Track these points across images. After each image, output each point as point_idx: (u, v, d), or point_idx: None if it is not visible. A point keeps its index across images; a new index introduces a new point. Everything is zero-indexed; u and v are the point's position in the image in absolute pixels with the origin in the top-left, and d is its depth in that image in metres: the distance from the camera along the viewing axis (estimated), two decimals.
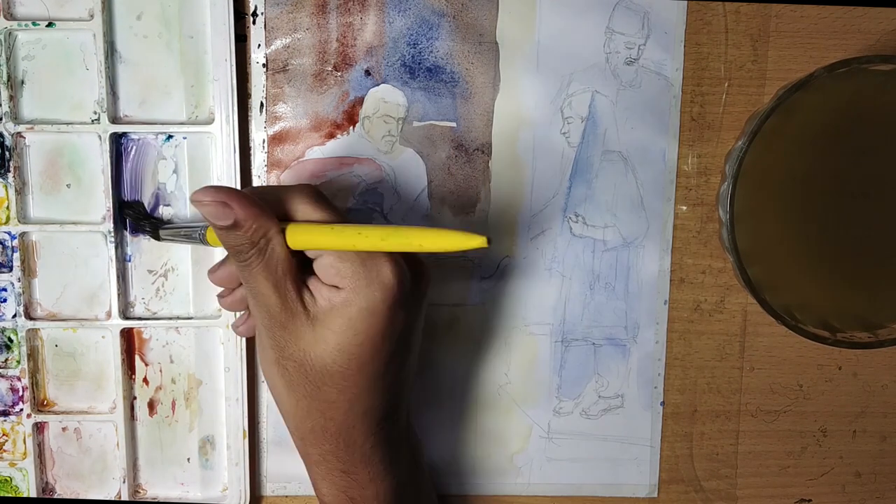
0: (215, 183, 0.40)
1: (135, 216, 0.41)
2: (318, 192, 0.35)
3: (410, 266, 0.34)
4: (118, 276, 0.41)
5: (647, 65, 0.41)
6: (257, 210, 0.32)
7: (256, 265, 0.33)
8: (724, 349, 0.43)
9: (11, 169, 0.40)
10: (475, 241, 0.29)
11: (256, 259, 0.33)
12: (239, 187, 0.40)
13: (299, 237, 0.33)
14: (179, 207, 0.41)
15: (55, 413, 0.42)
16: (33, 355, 0.42)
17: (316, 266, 0.33)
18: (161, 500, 0.43)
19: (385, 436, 0.36)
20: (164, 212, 0.41)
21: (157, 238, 0.40)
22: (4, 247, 0.41)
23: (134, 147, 0.41)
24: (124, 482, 0.42)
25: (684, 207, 0.42)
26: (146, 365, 0.42)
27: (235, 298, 0.37)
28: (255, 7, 0.40)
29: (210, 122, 0.40)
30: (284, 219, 0.34)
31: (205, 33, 0.40)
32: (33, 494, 0.42)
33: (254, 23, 0.40)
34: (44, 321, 0.41)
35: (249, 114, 0.41)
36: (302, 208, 0.34)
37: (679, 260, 0.43)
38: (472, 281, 0.42)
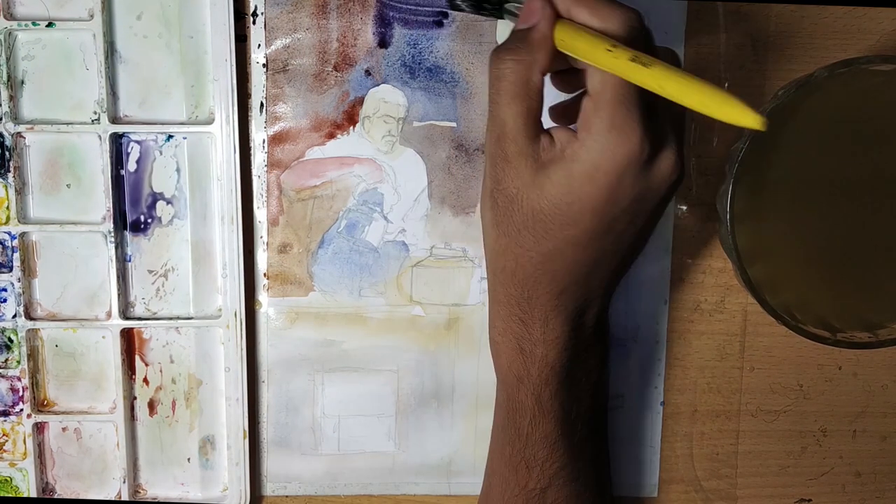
0: (215, 183, 0.40)
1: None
2: (643, 35, 0.32)
3: (665, 152, 0.31)
4: (118, 276, 0.41)
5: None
6: (550, 34, 0.31)
7: (511, 83, 0.31)
8: (724, 349, 0.43)
9: (11, 169, 0.40)
10: (750, 119, 0.26)
11: (514, 75, 0.31)
12: (239, 187, 0.40)
13: (567, 39, 0.31)
14: (181, 207, 0.41)
15: (55, 413, 0.42)
16: (33, 355, 0.42)
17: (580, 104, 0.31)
18: (161, 500, 0.43)
19: (571, 305, 0.34)
20: (161, 211, 0.41)
21: (500, 16, 0.35)
22: (4, 247, 0.41)
23: (134, 147, 0.41)
24: (124, 482, 0.42)
25: (684, 207, 0.42)
26: (146, 365, 0.42)
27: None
28: (255, 7, 0.40)
29: (210, 122, 0.40)
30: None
31: (205, 33, 0.40)
32: (33, 494, 0.42)
33: (254, 23, 0.40)
34: (44, 321, 0.41)
35: (249, 114, 0.41)
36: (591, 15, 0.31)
37: (679, 260, 0.43)
38: (472, 281, 0.42)
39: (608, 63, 0.29)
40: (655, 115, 0.31)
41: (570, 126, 0.32)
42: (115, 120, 0.40)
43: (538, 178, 0.31)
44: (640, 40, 0.31)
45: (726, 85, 0.41)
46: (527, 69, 0.31)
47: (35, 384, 0.42)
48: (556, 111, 0.36)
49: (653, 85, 0.28)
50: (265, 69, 0.40)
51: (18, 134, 0.40)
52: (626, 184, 0.31)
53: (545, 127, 0.32)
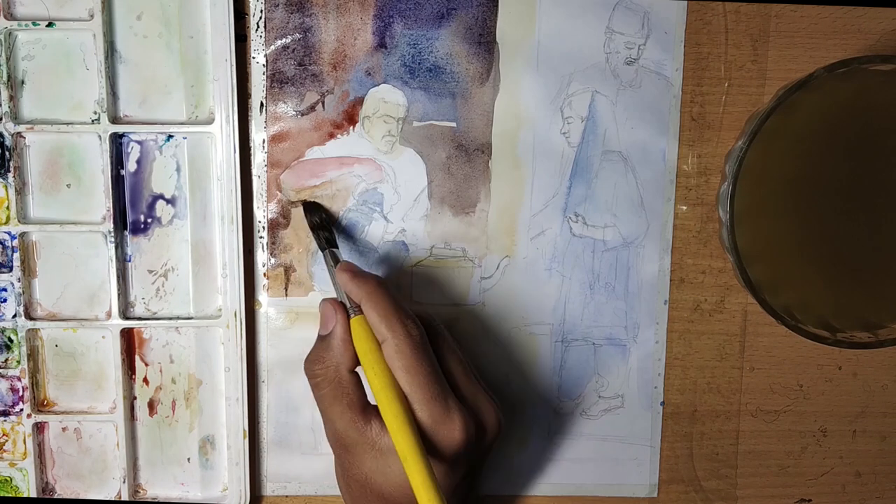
0: (215, 183, 0.40)
1: (315, 224, 0.40)
2: (425, 344, 0.35)
3: (479, 420, 0.36)
4: (118, 276, 0.41)
5: (647, 65, 0.41)
6: (348, 339, 0.35)
7: (325, 389, 0.35)
8: (724, 349, 0.43)
9: (11, 169, 0.40)
10: None
11: (326, 384, 0.35)
12: (239, 187, 0.40)
13: (361, 350, 0.35)
14: (181, 207, 0.41)
15: (55, 413, 0.42)
16: (33, 355, 0.42)
17: None
18: (161, 500, 0.43)
19: None
20: (161, 211, 0.41)
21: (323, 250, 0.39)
22: (4, 247, 0.41)
23: (134, 147, 0.41)
24: (124, 482, 0.42)
25: (684, 207, 0.42)
26: (146, 365, 0.42)
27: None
28: (256, 7, 0.40)
29: (210, 122, 0.40)
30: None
31: (205, 33, 0.40)
32: (33, 494, 0.42)
33: (254, 23, 0.40)
34: (44, 321, 0.41)
35: (249, 114, 0.41)
36: (394, 342, 0.34)
37: (679, 260, 0.43)
38: (472, 281, 0.42)
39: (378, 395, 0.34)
40: (468, 390, 0.36)
41: None
42: (115, 120, 0.40)
43: (381, 463, 0.34)
44: (421, 344, 0.35)
45: (726, 85, 0.41)
46: (335, 372, 0.35)
47: (35, 384, 0.42)
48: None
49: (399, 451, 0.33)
50: (265, 69, 0.40)
51: (18, 134, 0.40)
52: (461, 461, 0.35)
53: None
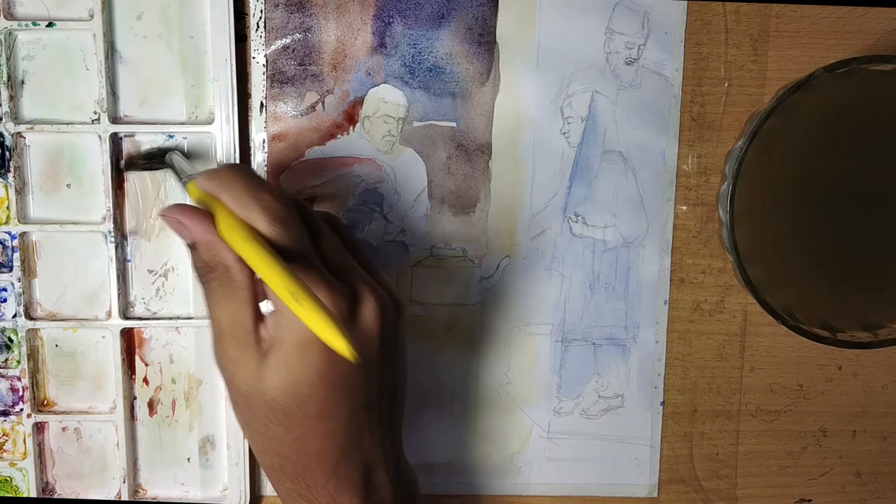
0: None
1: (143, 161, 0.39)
2: (280, 212, 0.31)
3: (364, 300, 0.32)
4: (118, 276, 0.41)
5: (647, 65, 0.41)
6: (212, 236, 0.31)
7: (217, 289, 0.32)
8: (724, 349, 0.43)
9: (11, 169, 0.40)
10: (341, 347, 0.28)
11: (217, 283, 0.32)
12: None
13: (225, 234, 0.31)
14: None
15: (55, 413, 0.42)
16: (33, 355, 0.42)
17: None
18: (161, 500, 0.43)
19: (353, 477, 0.33)
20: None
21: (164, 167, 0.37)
22: (4, 247, 0.41)
23: (134, 147, 0.41)
24: (124, 482, 0.42)
25: (684, 207, 0.42)
26: (146, 365, 0.42)
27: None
28: (256, 7, 0.40)
29: (210, 122, 0.40)
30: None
31: (205, 33, 0.40)
32: (33, 494, 0.42)
33: (254, 23, 0.40)
34: (44, 321, 0.41)
35: (249, 114, 0.41)
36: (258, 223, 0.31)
37: (679, 260, 0.43)
38: (472, 281, 0.42)
39: (257, 267, 0.30)
40: (343, 269, 0.32)
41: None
42: (115, 120, 0.40)
43: (261, 371, 0.31)
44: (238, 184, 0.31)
45: (726, 85, 0.41)
46: (224, 272, 0.31)
47: (35, 384, 0.42)
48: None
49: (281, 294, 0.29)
50: (265, 69, 0.40)
51: (18, 134, 0.40)
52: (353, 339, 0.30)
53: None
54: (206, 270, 0.32)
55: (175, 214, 0.32)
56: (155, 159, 0.39)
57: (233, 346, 0.31)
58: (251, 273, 0.31)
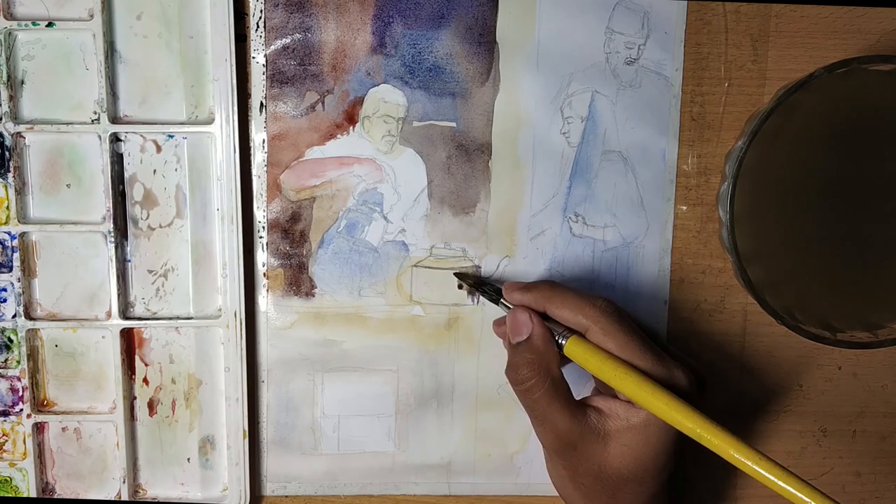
0: (215, 183, 0.40)
1: (472, 285, 0.41)
2: (620, 313, 0.36)
3: (694, 375, 0.36)
4: (118, 276, 0.41)
5: (647, 65, 0.41)
6: (549, 337, 0.36)
7: (539, 391, 0.35)
8: (724, 349, 0.43)
9: (11, 169, 0.40)
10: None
11: (539, 385, 0.35)
12: (239, 187, 0.40)
13: (578, 354, 0.36)
14: (181, 207, 0.41)
15: (55, 413, 0.42)
16: (33, 355, 0.42)
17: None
18: (161, 500, 0.43)
19: None
20: (161, 211, 0.41)
21: (496, 303, 0.40)
22: (4, 247, 0.41)
23: (134, 147, 0.41)
24: (124, 482, 0.42)
25: (684, 207, 0.42)
26: (146, 365, 0.42)
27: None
28: (256, 7, 0.40)
29: (210, 122, 0.40)
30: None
31: (205, 33, 0.40)
32: (33, 494, 0.42)
33: (254, 23, 0.40)
34: (44, 321, 0.41)
35: (249, 114, 0.41)
36: (598, 327, 0.35)
37: (679, 260, 0.43)
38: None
39: (618, 385, 0.35)
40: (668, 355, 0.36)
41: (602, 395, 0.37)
42: (115, 120, 0.40)
43: (611, 448, 0.35)
44: (622, 316, 0.36)
45: (726, 85, 0.41)
46: (547, 371, 0.36)
47: (35, 384, 0.42)
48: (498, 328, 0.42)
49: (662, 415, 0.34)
50: (265, 69, 0.40)
51: (18, 134, 0.40)
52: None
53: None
54: (525, 368, 0.36)
55: (525, 311, 0.37)
56: (485, 288, 0.41)
57: (574, 438, 0.35)
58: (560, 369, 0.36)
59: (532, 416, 0.36)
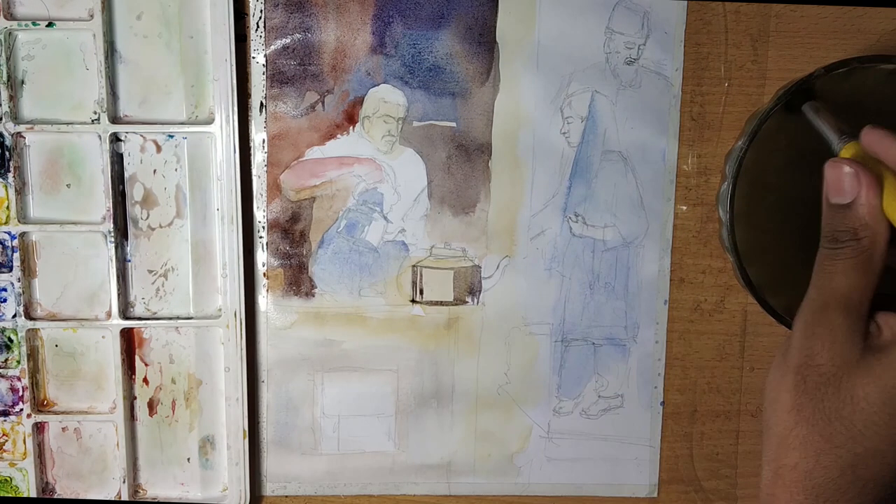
0: (215, 182, 0.40)
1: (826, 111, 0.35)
2: None
3: None
4: (118, 276, 0.41)
5: (646, 65, 0.41)
6: (877, 203, 0.29)
7: (845, 258, 0.29)
8: (724, 349, 0.43)
9: (11, 169, 0.40)
10: None
11: (850, 252, 0.29)
12: (239, 187, 0.40)
13: (866, 158, 0.30)
14: (181, 207, 0.41)
15: (55, 413, 0.42)
16: (33, 355, 0.42)
17: None
18: (161, 500, 0.43)
19: None
20: (161, 211, 0.41)
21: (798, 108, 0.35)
22: (4, 247, 0.41)
23: (134, 147, 0.41)
24: (124, 482, 0.42)
25: (684, 207, 0.42)
26: (146, 365, 0.42)
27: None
28: (256, 7, 0.40)
29: (210, 122, 0.40)
30: None
31: (205, 33, 0.40)
32: (33, 494, 0.42)
33: (254, 23, 0.40)
34: (44, 321, 0.41)
35: (249, 114, 0.41)
36: None
37: (679, 260, 0.43)
38: (473, 281, 0.42)
39: None
40: None
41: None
42: (115, 120, 0.40)
43: (868, 361, 0.27)
44: None
45: (726, 85, 0.41)
46: (870, 244, 0.29)
47: (35, 384, 0.42)
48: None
49: None
50: (265, 69, 0.40)
51: (18, 134, 0.40)
52: None
53: None
54: (846, 235, 0.29)
55: (853, 166, 0.29)
56: (795, 101, 0.35)
57: (841, 317, 0.28)
58: (887, 258, 0.29)
59: (817, 274, 0.30)
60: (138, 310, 0.42)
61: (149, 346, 0.42)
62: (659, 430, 0.44)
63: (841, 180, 0.29)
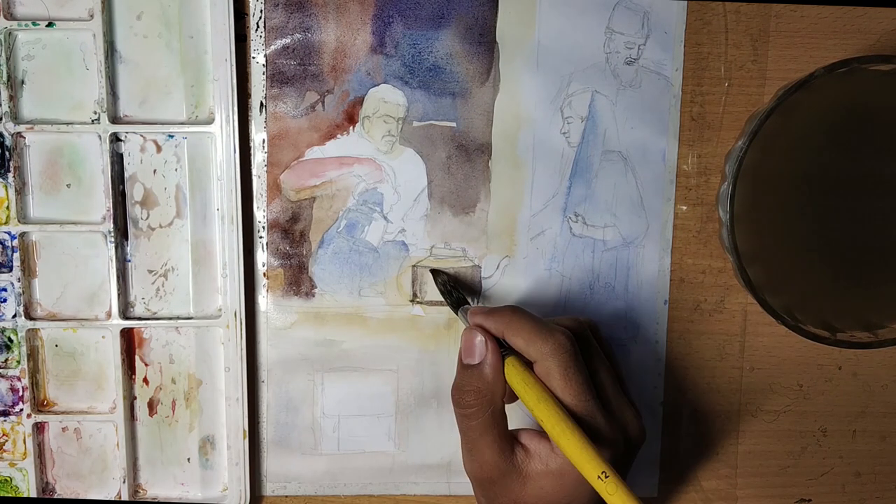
0: (215, 182, 0.40)
1: (441, 284, 0.41)
2: (573, 353, 0.35)
3: (625, 432, 0.36)
4: (118, 276, 0.41)
5: (646, 65, 0.41)
6: (499, 368, 0.35)
7: (476, 420, 0.35)
8: (724, 349, 0.43)
9: (11, 169, 0.40)
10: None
11: (479, 414, 0.35)
12: (239, 187, 0.40)
13: (511, 376, 0.35)
14: (181, 207, 0.41)
15: (55, 413, 0.42)
16: (33, 355, 0.42)
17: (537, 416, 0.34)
18: (161, 500, 0.43)
19: None
20: (161, 211, 0.41)
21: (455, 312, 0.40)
22: (4, 247, 0.41)
23: (134, 147, 0.41)
24: (124, 482, 0.42)
25: (684, 207, 0.42)
26: (146, 365, 0.42)
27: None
28: (256, 7, 0.40)
29: (210, 122, 0.40)
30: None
31: (205, 33, 0.40)
32: (33, 494, 0.42)
33: (254, 23, 0.40)
34: (44, 321, 0.41)
35: (249, 114, 0.41)
36: (544, 363, 0.34)
37: (679, 260, 0.43)
38: (473, 281, 0.42)
39: (553, 432, 0.33)
40: (616, 406, 0.36)
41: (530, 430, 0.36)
42: (115, 120, 0.40)
43: (528, 489, 0.35)
44: (572, 359, 0.35)
45: (726, 85, 0.41)
46: (490, 403, 0.35)
47: (35, 384, 0.42)
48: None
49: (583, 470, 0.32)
50: (265, 69, 0.40)
51: (18, 134, 0.40)
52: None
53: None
54: (471, 396, 0.35)
55: (483, 335, 0.36)
56: (449, 298, 0.40)
57: (496, 473, 0.35)
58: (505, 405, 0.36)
59: (463, 441, 0.36)
60: (138, 310, 0.42)
61: (149, 346, 0.42)
62: (659, 430, 0.44)
63: (473, 345, 0.36)
